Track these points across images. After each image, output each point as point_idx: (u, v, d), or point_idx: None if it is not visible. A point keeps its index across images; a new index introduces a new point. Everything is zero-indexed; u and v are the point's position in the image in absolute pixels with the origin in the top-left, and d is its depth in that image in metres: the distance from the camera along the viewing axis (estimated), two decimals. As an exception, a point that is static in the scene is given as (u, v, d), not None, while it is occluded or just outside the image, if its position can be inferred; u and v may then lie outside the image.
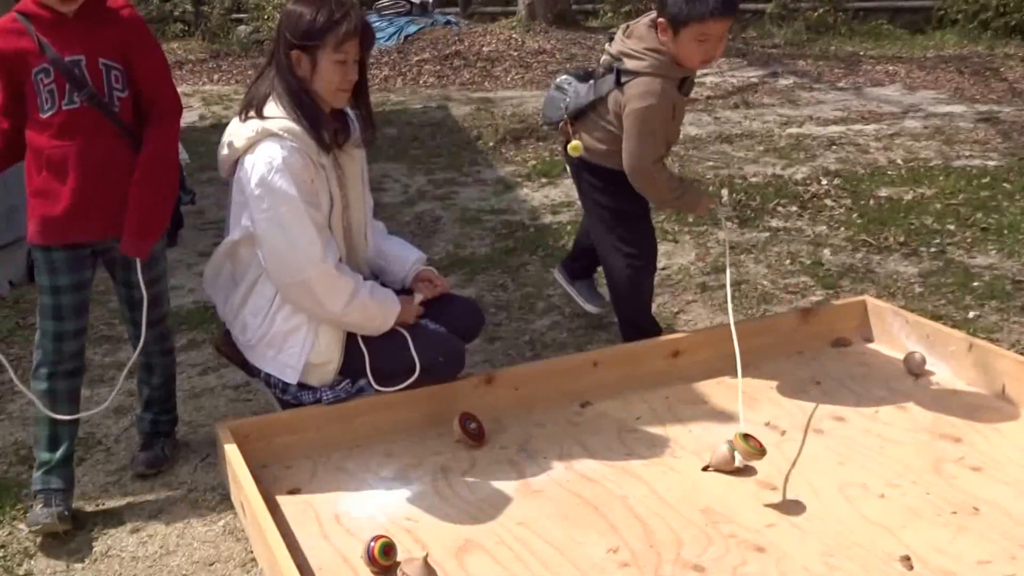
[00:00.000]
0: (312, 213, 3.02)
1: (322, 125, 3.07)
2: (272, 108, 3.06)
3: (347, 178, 3.23)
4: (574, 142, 3.78)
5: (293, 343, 3.15)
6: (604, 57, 3.71)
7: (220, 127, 9.36)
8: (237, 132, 3.10)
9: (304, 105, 3.06)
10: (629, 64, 3.55)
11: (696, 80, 3.92)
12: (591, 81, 3.74)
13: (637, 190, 3.64)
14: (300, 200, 2.99)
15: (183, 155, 5.88)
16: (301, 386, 3.22)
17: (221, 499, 3.20)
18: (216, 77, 12.71)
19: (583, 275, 4.40)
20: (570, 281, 4.40)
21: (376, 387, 3.23)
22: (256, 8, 14.79)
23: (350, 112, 3.27)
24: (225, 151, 3.13)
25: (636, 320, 3.93)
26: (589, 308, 4.35)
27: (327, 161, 3.11)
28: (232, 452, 3.01)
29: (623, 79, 3.57)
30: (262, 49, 13.87)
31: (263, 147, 3.02)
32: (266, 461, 3.18)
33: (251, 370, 3.28)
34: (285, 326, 3.14)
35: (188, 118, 9.82)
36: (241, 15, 15.58)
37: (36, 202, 3.01)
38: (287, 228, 3.00)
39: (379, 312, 3.19)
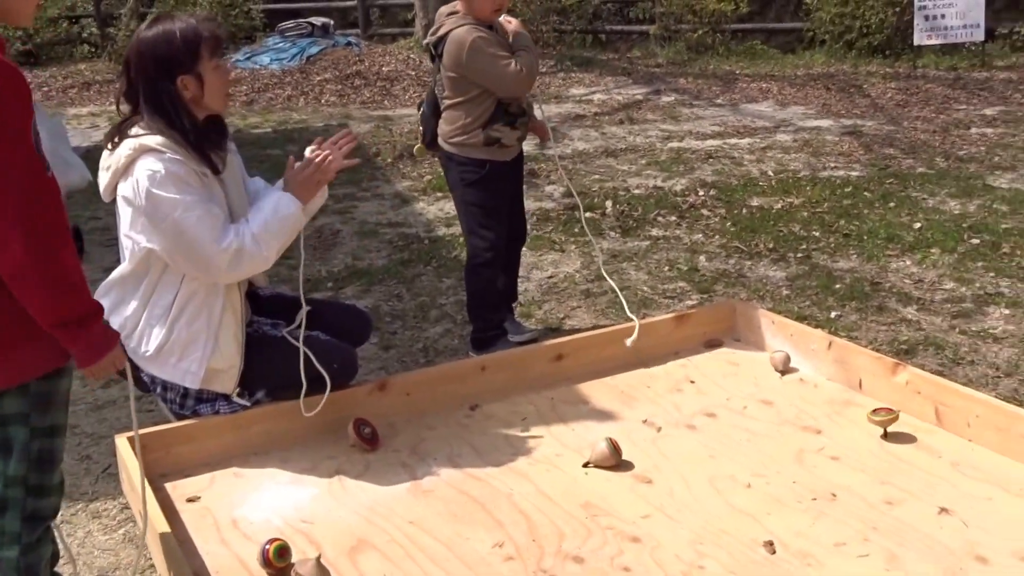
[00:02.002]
0: (210, 206, 2.96)
1: (206, 146, 3.02)
2: (139, 130, 2.97)
3: (228, 185, 3.16)
4: (418, 145, 4.15)
5: (194, 349, 3.10)
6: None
7: (125, 146, 9.18)
8: (114, 155, 2.99)
9: (185, 131, 2.97)
10: (442, 32, 3.90)
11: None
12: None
13: (529, 87, 3.92)
14: (192, 200, 2.92)
15: (87, 176, 5.74)
16: (199, 399, 3.18)
17: (122, 508, 3.15)
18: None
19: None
20: None
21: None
22: (161, 30, 14.51)
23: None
24: (105, 175, 3.03)
25: (478, 316, 4.13)
26: (517, 339, 4.24)
27: (208, 170, 3.05)
28: (131, 462, 2.96)
29: (441, 48, 3.90)
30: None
31: (142, 163, 2.93)
32: (165, 470, 3.13)
33: (145, 386, 3.21)
34: (185, 333, 3.09)
35: (95, 138, 9.60)
36: (147, 36, 15.27)
37: None
38: (184, 233, 2.93)
39: (276, 216, 3.06)
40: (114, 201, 3.07)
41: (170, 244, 2.96)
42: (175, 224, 2.92)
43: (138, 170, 2.94)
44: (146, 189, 2.91)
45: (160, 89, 2.95)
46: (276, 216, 3.08)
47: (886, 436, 3.24)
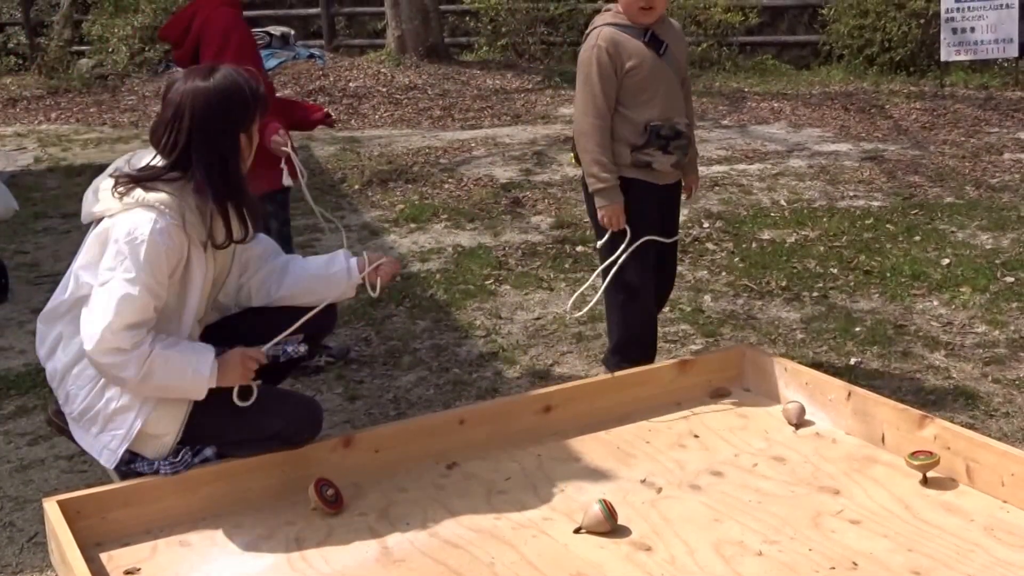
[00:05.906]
0: (150, 300, 2.99)
1: (240, 208, 3.13)
2: (161, 186, 3.04)
3: (210, 272, 3.24)
4: (572, 154, 4.08)
5: (119, 424, 3.11)
6: None
7: (57, 171, 9.21)
8: (117, 199, 3.05)
9: (229, 189, 3.07)
10: (588, 29, 3.97)
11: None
12: None
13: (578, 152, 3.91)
14: (142, 278, 2.96)
15: (12, 205, 5.75)
16: (135, 453, 3.18)
17: (51, 582, 3.14)
18: (54, 115, 12.48)
19: None
20: None
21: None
22: (99, 40, 14.59)
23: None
24: (94, 202, 3.12)
25: (622, 354, 4.09)
26: None
27: (209, 240, 3.12)
28: (61, 530, 2.95)
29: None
30: (106, 84, 13.69)
31: (136, 214, 3.00)
32: (101, 539, 3.12)
33: (81, 438, 3.22)
34: (114, 404, 3.10)
35: (22, 161, 9.63)
36: (83, 47, 15.36)
37: None
38: (105, 292, 2.97)
39: (185, 362, 3.06)
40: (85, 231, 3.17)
41: (98, 292, 3.00)
42: (111, 279, 2.98)
43: (128, 218, 3.01)
44: (116, 239, 2.99)
45: (222, 144, 3.05)
46: (185, 367, 3.06)
47: (925, 482, 3.31)
